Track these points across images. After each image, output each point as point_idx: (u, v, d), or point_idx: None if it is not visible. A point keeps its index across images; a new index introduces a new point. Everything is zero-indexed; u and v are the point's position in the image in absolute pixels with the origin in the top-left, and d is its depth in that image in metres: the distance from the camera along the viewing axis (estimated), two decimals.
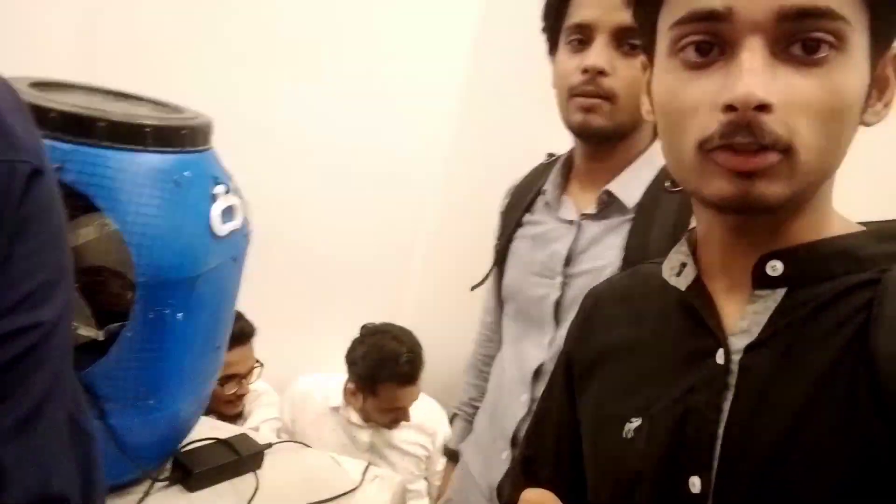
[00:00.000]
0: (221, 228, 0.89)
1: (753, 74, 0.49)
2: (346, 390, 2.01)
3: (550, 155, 1.21)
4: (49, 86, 0.88)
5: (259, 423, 1.97)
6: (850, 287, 0.52)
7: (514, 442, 1.08)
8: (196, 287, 0.86)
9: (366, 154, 2.17)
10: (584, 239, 1.06)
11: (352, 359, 1.97)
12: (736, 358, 0.56)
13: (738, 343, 0.56)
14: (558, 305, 1.06)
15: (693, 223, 0.65)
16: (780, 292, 0.55)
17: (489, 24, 2.13)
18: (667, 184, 1.03)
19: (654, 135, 1.08)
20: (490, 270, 1.22)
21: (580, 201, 1.10)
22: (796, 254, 0.55)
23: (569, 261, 1.06)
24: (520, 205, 1.18)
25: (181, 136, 0.85)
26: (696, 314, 0.59)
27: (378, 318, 2.08)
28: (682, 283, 0.62)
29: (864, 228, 0.57)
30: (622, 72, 0.97)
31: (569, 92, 1.01)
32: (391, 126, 2.16)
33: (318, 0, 2.13)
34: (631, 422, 0.61)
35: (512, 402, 1.10)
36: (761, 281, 0.56)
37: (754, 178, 0.50)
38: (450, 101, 2.19)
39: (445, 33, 2.16)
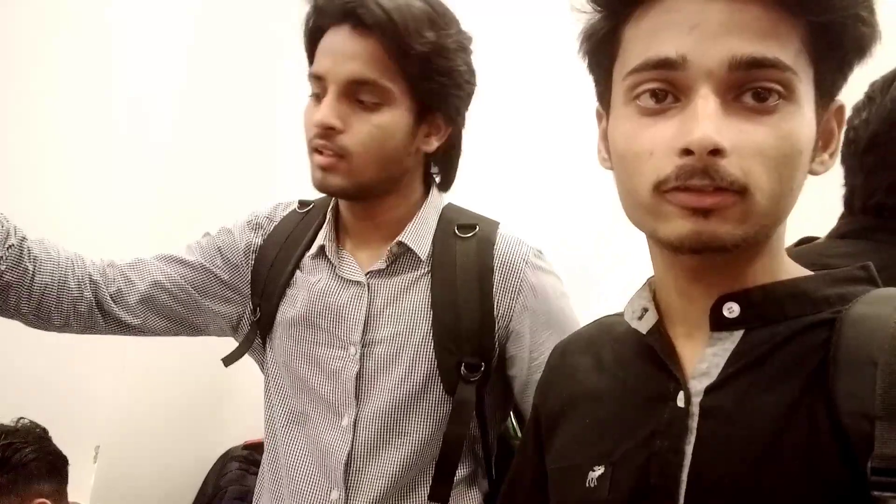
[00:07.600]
0: None
1: (708, 120, 0.50)
2: None
3: (303, 203, 1.05)
4: None
5: None
6: (806, 327, 0.53)
7: None
8: None
9: None
10: (378, 301, 0.94)
11: None
12: (696, 400, 0.56)
13: (698, 385, 0.56)
14: (359, 380, 0.92)
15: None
16: (738, 334, 0.56)
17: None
18: (455, 229, 0.95)
19: (427, 183, 0.99)
20: (252, 337, 1.02)
21: (360, 258, 0.96)
22: (752, 296, 0.56)
23: (365, 328, 0.93)
24: (286, 258, 0.99)
25: None
26: (657, 358, 0.60)
27: None
28: (643, 326, 0.63)
29: (814, 273, 0.58)
30: (356, 127, 0.86)
31: (309, 146, 0.89)
32: None
33: None
34: (594, 470, 0.60)
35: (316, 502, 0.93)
36: (719, 323, 0.57)
37: (710, 217, 0.51)
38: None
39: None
